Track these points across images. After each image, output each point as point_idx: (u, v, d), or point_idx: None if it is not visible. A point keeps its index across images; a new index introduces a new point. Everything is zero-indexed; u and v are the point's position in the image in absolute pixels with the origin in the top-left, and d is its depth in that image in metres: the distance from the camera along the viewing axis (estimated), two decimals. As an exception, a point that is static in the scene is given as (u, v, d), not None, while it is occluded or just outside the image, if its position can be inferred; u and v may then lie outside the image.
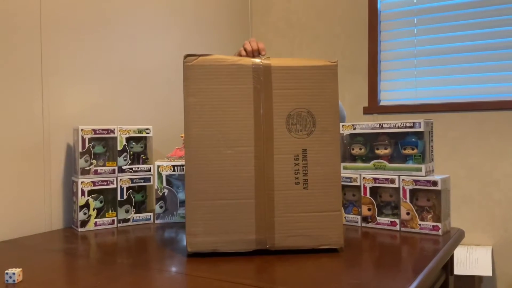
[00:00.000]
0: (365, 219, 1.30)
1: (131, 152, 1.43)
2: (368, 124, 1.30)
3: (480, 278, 1.95)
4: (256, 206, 1.01)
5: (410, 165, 1.23)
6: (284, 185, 1.01)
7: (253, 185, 1.00)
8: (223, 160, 1.00)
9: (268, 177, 1.01)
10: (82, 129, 1.33)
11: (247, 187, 1.00)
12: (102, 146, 1.38)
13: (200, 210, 1.00)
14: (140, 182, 1.43)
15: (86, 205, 1.33)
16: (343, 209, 1.34)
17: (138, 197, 1.44)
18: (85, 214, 1.32)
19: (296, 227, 1.02)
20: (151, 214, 1.46)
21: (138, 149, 1.45)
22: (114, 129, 1.39)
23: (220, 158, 1.00)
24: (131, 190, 1.42)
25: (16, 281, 0.85)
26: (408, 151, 1.24)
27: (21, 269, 0.87)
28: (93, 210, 1.34)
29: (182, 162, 1.45)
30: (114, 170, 1.38)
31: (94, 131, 1.35)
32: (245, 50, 1.48)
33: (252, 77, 1.01)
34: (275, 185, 1.01)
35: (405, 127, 1.24)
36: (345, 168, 1.35)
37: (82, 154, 1.34)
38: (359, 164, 1.32)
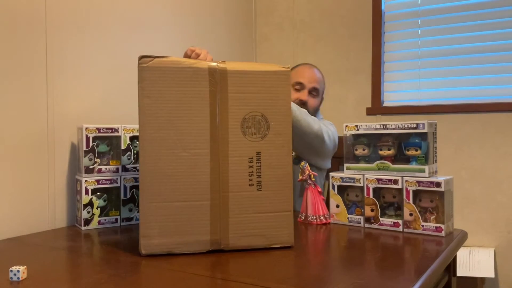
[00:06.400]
0: (368, 219, 1.30)
1: (135, 151, 1.43)
2: (372, 125, 1.30)
3: (482, 279, 1.95)
4: (211, 207, 1.02)
5: (413, 166, 1.23)
6: (238, 187, 1.03)
7: (208, 187, 1.02)
8: (179, 162, 1.00)
9: (223, 179, 1.02)
10: (86, 128, 1.34)
11: (202, 189, 1.01)
12: (106, 145, 1.39)
13: (155, 212, 1.00)
14: (144, 181, 1.44)
15: (90, 203, 1.33)
16: (346, 209, 1.34)
17: (142, 196, 1.45)
18: (88, 212, 1.33)
19: (249, 227, 1.04)
20: (154, 213, 1.46)
21: (142, 148, 1.45)
22: (118, 128, 1.39)
23: (175, 160, 1.00)
24: (134, 189, 1.42)
25: (20, 279, 0.85)
26: (411, 152, 1.24)
27: (25, 266, 0.87)
28: (97, 208, 1.34)
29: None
30: (117, 169, 1.39)
31: (98, 130, 1.36)
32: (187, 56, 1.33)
33: (208, 80, 1.02)
34: (230, 187, 1.03)
35: (409, 128, 1.24)
36: (348, 168, 1.35)
37: (86, 152, 1.34)
38: (363, 165, 1.32)
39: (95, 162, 1.36)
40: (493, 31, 1.99)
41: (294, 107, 1.50)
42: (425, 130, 1.22)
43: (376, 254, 1.02)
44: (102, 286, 0.82)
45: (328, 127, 1.63)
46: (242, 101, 1.03)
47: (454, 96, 2.08)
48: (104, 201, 1.37)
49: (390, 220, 1.26)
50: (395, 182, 1.25)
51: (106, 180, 1.36)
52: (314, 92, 1.70)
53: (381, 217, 1.28)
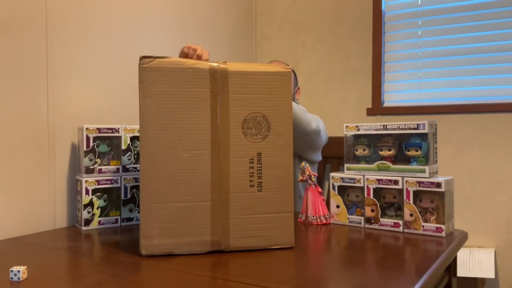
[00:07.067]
0: (368, 220, 1.30)
1: (135, 151, 1.43)
2: (372, 125, 1.30)
3: (482, 280, 1.95)
4: (212, 208, 1.02)
5: (414, 166, 1.23)
6: (239, 188, 1.03)
7: (209, 188, 1.02)
8: (180, 163, 1.00)
9: (224, 180, 1.02)
10: (86, 128, 1.34)
11: (203, 190, 1.02)
12: (106, 145, 1.39)
13: (155, 212, 1.00)
14: (144, 181, 1.44)
15: (90, 203, 1.33)
16: (346, 210, 1.34)
17: (142, 196, 1.45)
18: (89, 212, 1.33)
19: (250, 228, 1.04)
20: (155, 213, 1.46)
21: (142, 148, 1.45)
22: (119, 128, 1.39)
23: (176, 160, 1.00)
24: (135, 189, 1.42)
25: (21, 279, 0.85)
26: (412, 153, 1.24)
27: (25, 266, 0.87)
28: (97, 208, 1.34)
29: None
30: (118, 169, 1.39)
31: (99, 130, 1.36)
32: (185, 54, 1.35)
33: (209, 81, 1.02)
34: (231, 188, 1.03)
35: (409, 129, 1.24)
36: (348, 169, 1.35)
37: (86, 153, 1.34)
38: (363, 165, 1.32)
39: (96, 162, 1.36)
40: (494, 32, 1.99)
41: (294, 105, 1.51)
42: (425, 131, 1.22)
43: (377, 255, 1.02)
44: (102, 286, 0.82)
45: (319, 120, 1.68)
46: (243, 101, 1.03)
47: (454, 96, 2.08)
48: (105, 201, 1.37)
49: (390, 221, 1.26)
50: (396, 182, 1.25)
51: (106, 180, 1.36)
52: None
53: (381, 217, 1.28)
